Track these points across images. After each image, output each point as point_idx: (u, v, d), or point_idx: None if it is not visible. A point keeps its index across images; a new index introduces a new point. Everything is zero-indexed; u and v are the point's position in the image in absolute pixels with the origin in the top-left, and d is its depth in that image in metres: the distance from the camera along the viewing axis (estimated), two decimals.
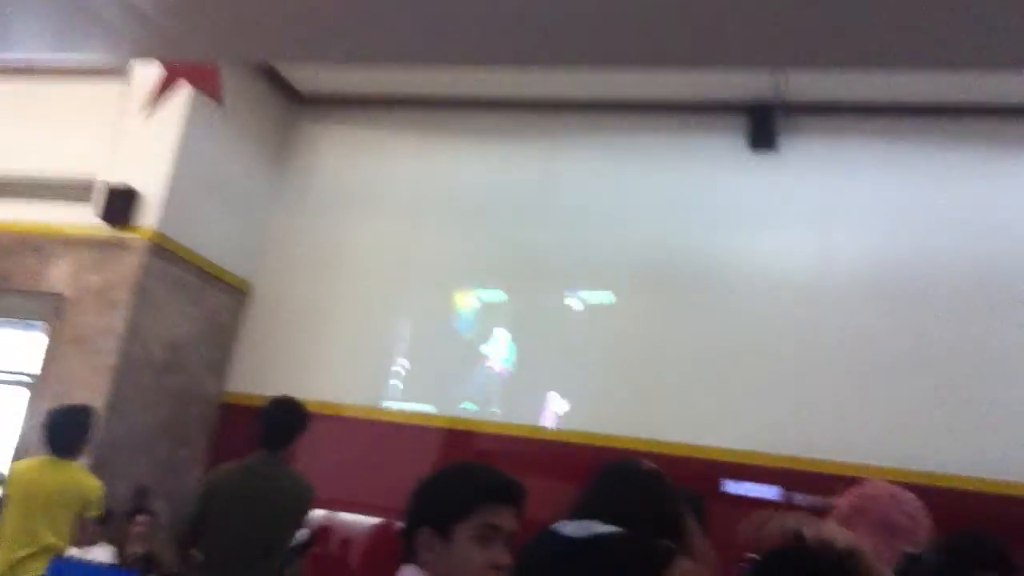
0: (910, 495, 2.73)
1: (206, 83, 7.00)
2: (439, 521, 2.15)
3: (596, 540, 2.45)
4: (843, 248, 7.24)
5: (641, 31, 2.75)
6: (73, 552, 5.61)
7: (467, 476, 2.26)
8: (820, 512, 2.88)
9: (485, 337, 7.77)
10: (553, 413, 7.41)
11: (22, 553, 5.19)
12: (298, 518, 4.98)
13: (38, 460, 5.58)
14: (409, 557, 2.17)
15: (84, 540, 6.02)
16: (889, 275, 7.03)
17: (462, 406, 7.65)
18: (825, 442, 6.67)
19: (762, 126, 7.55)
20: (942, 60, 2.92)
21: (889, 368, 6.79)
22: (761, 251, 7.38)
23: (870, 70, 5.76)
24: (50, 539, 5.27)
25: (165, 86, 6.81)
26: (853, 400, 6.77)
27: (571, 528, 2.87)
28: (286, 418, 5.19)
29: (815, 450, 6.66)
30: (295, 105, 8.90)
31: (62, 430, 5.58)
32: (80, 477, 5.47)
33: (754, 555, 2.25)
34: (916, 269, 6.98)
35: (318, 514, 6.29)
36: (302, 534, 6.26)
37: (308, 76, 8.66)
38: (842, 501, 2.76)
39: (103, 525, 6.21)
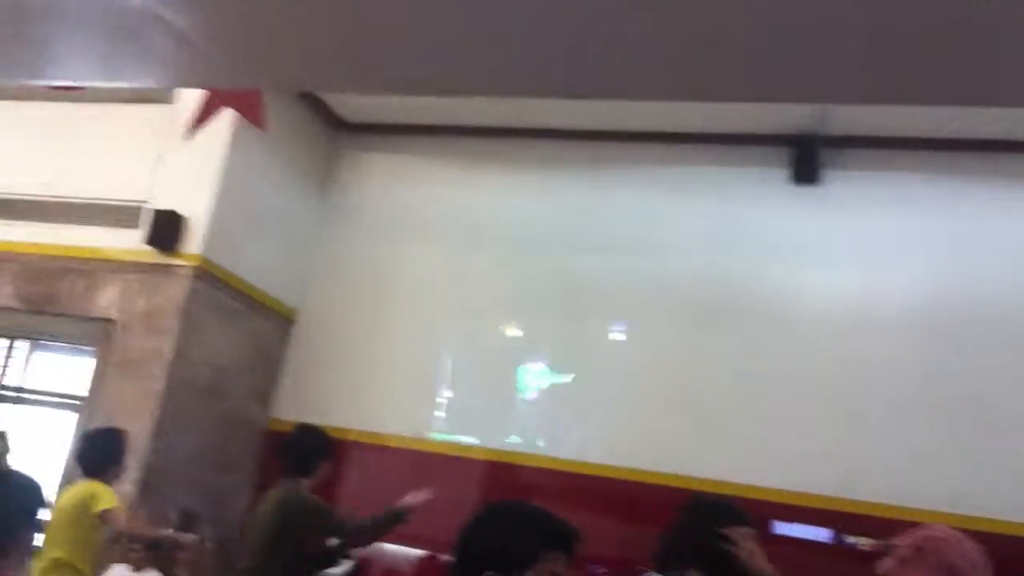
0: (973, 543, 2.67)
1: (249, 109, 7.04)
2: (504, 567, 2.12)
3: None
4: (887, 283, 7.14)
5: (685, 64, 2.73)
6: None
7: (532, 522, 2.25)
8: (880, 553, 2.82)
9: (529, 368, 7.73)
10: (599, 447, 7.34)
11: (37, 568, 5.32)
12: (285, 534, 5.03)
13: (74, 485, 5.70)
14: None
15: (132, 564, 6.08)
16: (934, 311, 6.92)
17: (505, 438, 7.60)
18: (870, 482, 6.57)
19: (805, 159, 7.47)
20: (988, 96, 2.86)
21: (935, 407, 6.67)
22: (803, 285, 7.30)
23: (915, 104, 5.68)
24: (55, 553, 5.38)
25: (208, 111, 6.85)
26: (899, 440, 6.65)
27: None
28: (303, 446, 5.28)
29: (860, 491, 6.56)
30: (338, 132, 8.95)
31: (90, 452, 5.68)
32: (91, 490, 5.55)
33: None
34: (962, 305, 6.87)
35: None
36: (345, 566, 6.27)
37: (351, 103, 8.70)
38: (904, 542, 2.71)
39: (151, 550, 6.24)
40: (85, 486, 5.63)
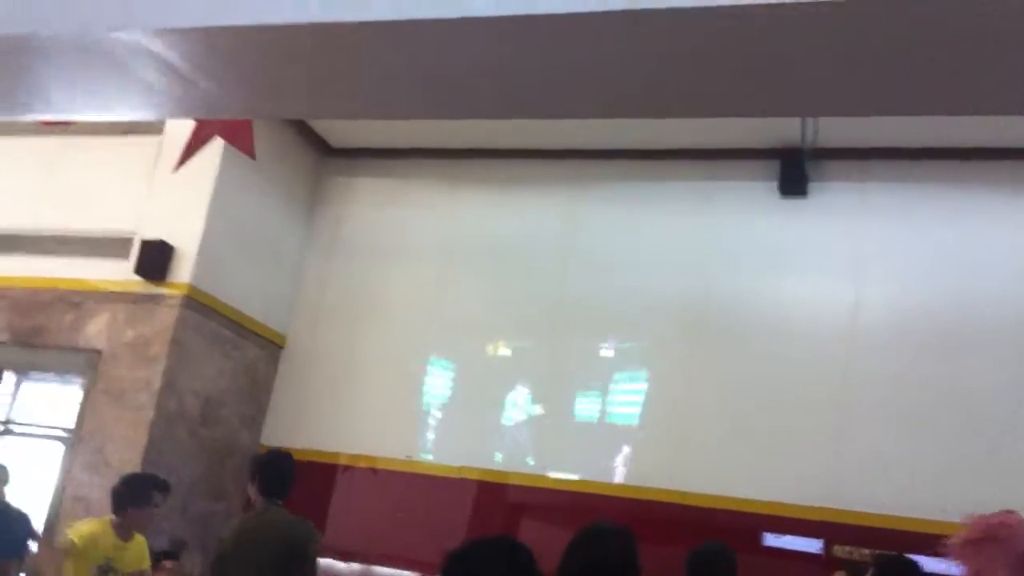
0: None
1: (238, 137, 7.06)
2: None
3: None
4: (876, 293, 7.16)
5: (667, 81, 2.77)
6: None
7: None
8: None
9: (518, 387, 7.75)
10: (588, 464, 7.36)
11: None
12: (296, 555, 5.03)
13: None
14: None
15: None
16: (924, 320, 6.94)
17: (495, 457, 7.62)
18: (863, 493, 6.58)
19: (792, 172, 7.52)
20: (973, 105, 2.91)
21: (926, 416, 6.68)
22: (794, 298, 7.32)
23: (901, 115, 5.75)
24: None
25: (197, 141, 6.88)
26: (891, 449, 6.66)
27: None
28: (280, 470, 5.30)
29: (853, 501, 6.57)
30: (325, 157, 8.98)
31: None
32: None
33: None
34: (951, 314, 6.89)
35: (353, 568, 6.29)
36: None
37: (337, 128, 8.75)
38: (973, 524, 2.68)
39: None
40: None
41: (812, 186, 7.50)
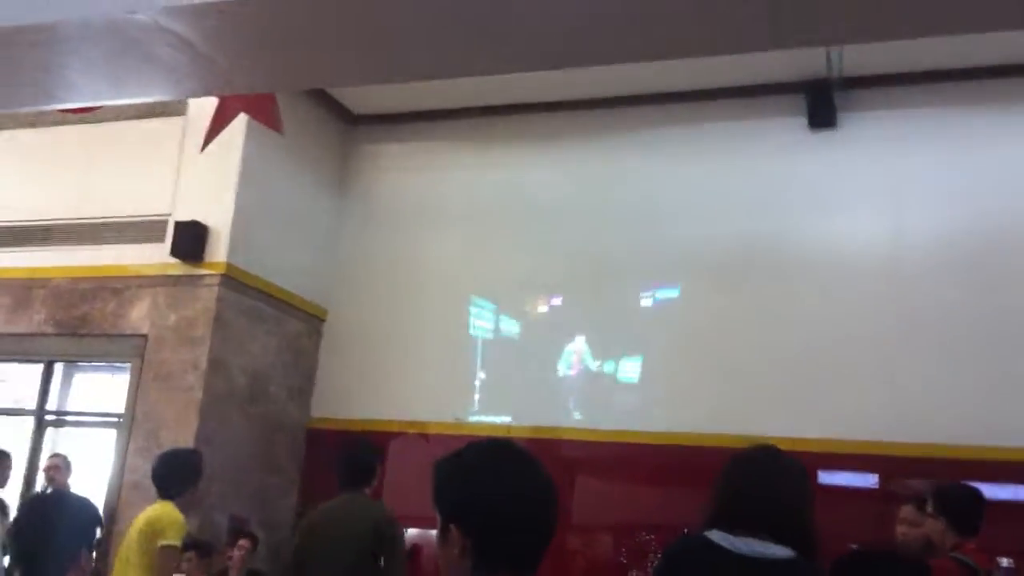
0: None
1: (264, 112, 7.02)
2: None
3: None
4: (915, 222, 7.08)
5: (690, 21, 2.70)
6: None
7: None
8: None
9: (562, 343, 7.73)
10: (636, 414, 7.35)
11: None
12: (373, 545, 4.99)
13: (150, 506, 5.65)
14: None
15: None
16: (965, 246, 6.86)
17: (542, 414, 7.62)
18: (917, 424, 6.52)
19: (820, 104, 7.42)
20: (1004, 20, 2.82)
21: (974, 344, 6.63)
22: (832, 233, 7.25)
23: (926, 36, 5.60)
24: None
25: (222, 119, 6.86)
26: (942, 379, 6.61)
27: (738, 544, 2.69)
28: (359, 460, 5.27)
29: (908, 434, 6.52)
30: (349, 126, 8.97)
31: (164, 472, 5.63)
32: (163, 512, 5.49)
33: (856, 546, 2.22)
34: (992, 238, 6.81)
35: (411, 533, 6.32)
36: None
37: (360, 95, 8.71)
38: None
39: (204, 559, 6.31)
40: (156, 510, 5.55)
41: (841, 117, 7.40)
